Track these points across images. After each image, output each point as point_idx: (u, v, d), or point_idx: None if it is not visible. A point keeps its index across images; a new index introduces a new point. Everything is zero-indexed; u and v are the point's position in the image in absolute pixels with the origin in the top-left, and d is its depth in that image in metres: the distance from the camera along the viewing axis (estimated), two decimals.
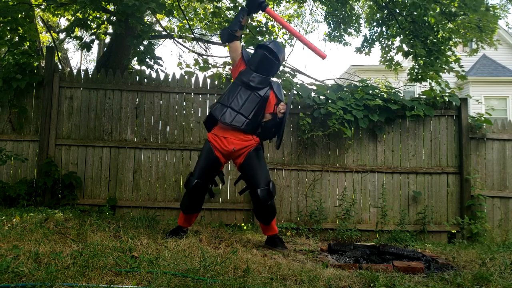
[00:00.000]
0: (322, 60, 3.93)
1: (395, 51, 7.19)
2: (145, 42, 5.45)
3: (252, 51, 4.65)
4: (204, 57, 8.48)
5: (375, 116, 5.36)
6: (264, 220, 4.05)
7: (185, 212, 4.06)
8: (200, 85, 5.56)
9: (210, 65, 6.29)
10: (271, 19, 9.76)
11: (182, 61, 16.55)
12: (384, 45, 7.34)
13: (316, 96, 5.46)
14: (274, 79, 4.52)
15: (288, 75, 5.87)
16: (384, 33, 7.32)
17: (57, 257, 2.73)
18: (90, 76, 5.49)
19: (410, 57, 6.48)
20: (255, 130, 4.04)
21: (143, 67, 5.55)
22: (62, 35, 10.98)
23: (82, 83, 5.46)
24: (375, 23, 7.46)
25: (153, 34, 6.58)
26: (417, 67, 6.47)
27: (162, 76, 5.57)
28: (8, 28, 5.45)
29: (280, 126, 4.01)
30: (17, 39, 5.56)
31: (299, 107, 5.53)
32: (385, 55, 7.31)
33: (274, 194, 4.01)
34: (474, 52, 6.95)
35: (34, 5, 6.46)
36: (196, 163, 4.11)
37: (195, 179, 3.92)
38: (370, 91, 5.56)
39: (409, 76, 6.57)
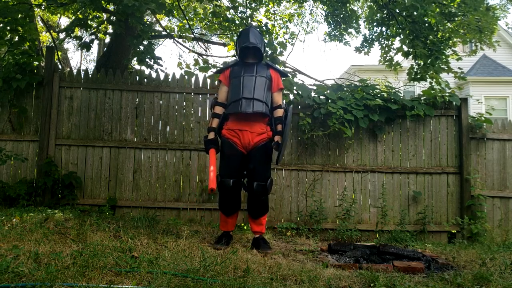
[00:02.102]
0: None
1: (394, 51, 7.19)
2: (145, 42, 5.45)
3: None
4: (204, 57, 8.48)
5: (375, 116, 5.36)
6: (253, 214, 4.04)
7: (227, 215, 4.04)
8: (200, 85, 5.56)
9: (210, 65, 6.29)
10: (271, 19, 9.77)
11: (182, 61, 16.56)
12: (384, 45, 7.34)
13: (316, 96, 5.45)
14: None
15: (288, 75, 5.86)
16: (384, 33, 7.32)
17: (57, 257, 2.73)
18: (90, 76, 5.49)
19: (410, 56, 6.48)
20: (269, 116, 4.07)
21: (143, 67, 5.56)
22: (62, 35, 10.97)
23: (82, 83, 5.46)
24: (374, 23, 7.46)
25: (153, 34, 6.58)
26: (416, 66, 6.47)
27: (162, 76, 5.56)
28: (8, 28, 5.45)
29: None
30: (17, 39, 5.56)
31: (299, 107, 5.53)
32: (384, 55, 7.31)
33: (269, 192, 4.01)
34: (473, 53, 6.94)
35: (34, 5, 6.46)
36: (220, 164, 4.07)
37: (231, 179, 3.90)
38: (370, 91, 5.56)
39: (408, 76, 6.57)
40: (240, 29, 7.11)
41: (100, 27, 7.29)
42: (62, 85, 5.40)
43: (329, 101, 5.41)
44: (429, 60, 6.16)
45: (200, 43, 11.07)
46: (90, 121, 5.41)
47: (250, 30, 4.15)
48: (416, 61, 6.41)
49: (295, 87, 5.47)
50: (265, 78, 4.03)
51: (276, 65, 4.25)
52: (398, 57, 7.23)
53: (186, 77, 5.59)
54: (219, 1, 7.96)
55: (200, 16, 9.22)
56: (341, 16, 7.90)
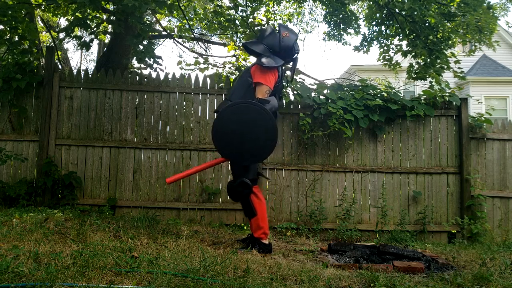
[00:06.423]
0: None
1: (394, 50, 7.18)
2: (145, 42, 5.45)
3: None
4: (204, 57, 8.48)
5: (375, 116, 5.36)
6: (244, 213, 3.94)
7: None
8: (200, 85, 5.56)
9: (210, 65, 6.29)
10: (272, 18, 9.76)
11: (182, 60, 16.51)
12: (383, 44, 7.34)
13: (316, 96, 5.45)
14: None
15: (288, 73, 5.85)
16: (383, 33, 7.32)
17: (57, 257, 2.73)
18: (90, 76, 5.49)
19: (410, 55, 6.48)
20: None
21: (143, 66, 5.55)
22: (62, 35, 10.97)
23: (82, 83, 5.46)
24: (374, 22, 7.45)
25: (153, 34, 6.57)
26: (416, 66, 6.45)
27: (162, 76, 5.56)
28: (8, 27, 5.45)
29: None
30: (16, 39, 5.56)
31: (299, 107, 5.53)
32: (383, 54, 7.31)
33: (239, 194, 3.77)
34: (472, 52, 6.94)
35: (34, 5, 6.46)
36: None
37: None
38: (370, 91, 5.56)
39: (407, 74, 6.57)
40: (241, 29, 7.10)
41: (99, 27, 7.28)
42: (62, 85, 5.40)
43: (329, 101, 5.41)
44: (429, 60, 6.16)
45: (200, 43, 11.06)
46: (90, 121, 5.41)
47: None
48: (416, 60, 6.40)
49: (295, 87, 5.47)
50: (245, 79, 3.87)
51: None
52: (398, 57, 7.22)
53: (186, 76, 5.59)
54: (220, 1, 7.95)
55: (200, 16, 9.21)
56: (340, 16, 7.89)
